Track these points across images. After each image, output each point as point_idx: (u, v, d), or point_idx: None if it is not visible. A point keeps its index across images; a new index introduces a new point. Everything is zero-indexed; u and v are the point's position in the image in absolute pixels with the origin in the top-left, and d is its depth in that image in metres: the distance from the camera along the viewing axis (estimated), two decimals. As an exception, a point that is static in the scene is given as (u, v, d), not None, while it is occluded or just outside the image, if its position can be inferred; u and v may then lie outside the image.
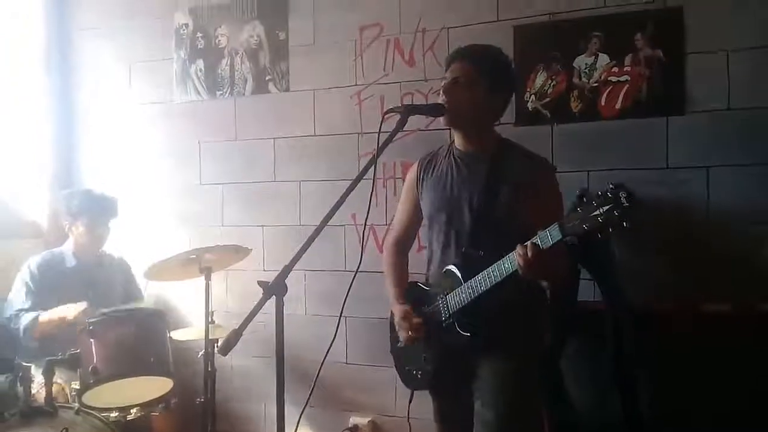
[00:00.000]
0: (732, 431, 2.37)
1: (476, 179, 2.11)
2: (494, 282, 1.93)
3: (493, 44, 2.23)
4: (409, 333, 2.16)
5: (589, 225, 1.63)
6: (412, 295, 2.26)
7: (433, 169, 2.25)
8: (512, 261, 1.85)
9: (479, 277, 1.97)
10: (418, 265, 2.41)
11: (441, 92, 2.10)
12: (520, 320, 2.07)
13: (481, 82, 2.06)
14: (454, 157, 2.20)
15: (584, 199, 1.66)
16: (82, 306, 2.86)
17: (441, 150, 2.28)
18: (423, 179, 2.27)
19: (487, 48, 2.19)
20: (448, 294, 2.09)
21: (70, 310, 2.87)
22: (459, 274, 2.06)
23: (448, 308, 2.09)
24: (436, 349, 2.17)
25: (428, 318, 2.16)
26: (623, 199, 1.57)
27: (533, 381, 2.13)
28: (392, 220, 3.11)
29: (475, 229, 2.09)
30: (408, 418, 2.33)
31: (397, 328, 2.24)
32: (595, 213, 1.61)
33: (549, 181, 2.12)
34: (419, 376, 2.24)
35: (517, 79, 2.19)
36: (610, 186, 1.59)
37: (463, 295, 2.03)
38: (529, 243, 1.80)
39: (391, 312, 2.32)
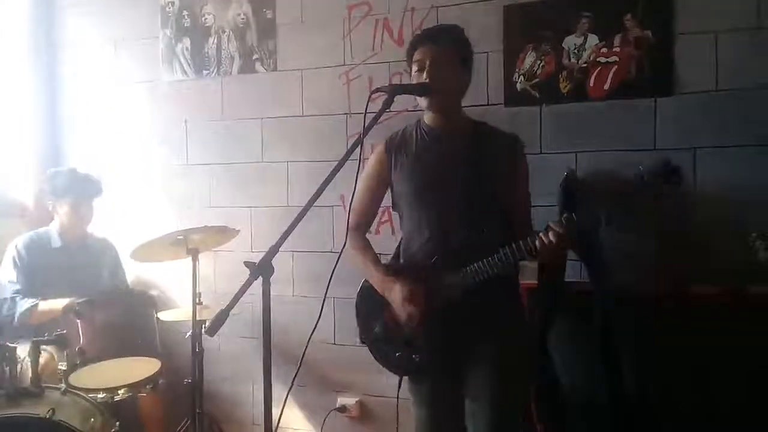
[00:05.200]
0: (719, 412, 2.39)
1: (460, 158, 2.11)
2: (511, 262, 2.01)
3: (456, 23, 2.26)
4: (418, 307, 2.09)
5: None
6: (394, 274, 2.20)
7: (406, 152, 2.21)
8: (525, 245, 1.96)
9: (495, 257, 2.01)
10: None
11: (422, 74, 2.07)
12: (513, 302, 2.16)
13: (453, 61, 2.10)
14: (426, 137, 2.18)
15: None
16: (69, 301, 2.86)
17: (408, 130, 2.24)
18: (395, 163, 2.22)
19: (449, 28, 2.23)
20: (460, 273, 2.08)
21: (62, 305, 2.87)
22: (465, 255, 2.06)
23: (456, 287, 2.08)
24: (436, 329, 2.12)
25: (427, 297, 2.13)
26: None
27: (528, 364, 2.20)
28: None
29: (468, 208, 2.09)
30: (397, 400, 2.26)
31: (401, 304, 2.12)
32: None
33: (523, 156, 2.22)
34: (417, 358, 2.17)
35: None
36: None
37: (478, 275, 2.04)
38: (554, 226, 1.92)
39: (360, 298, 2.30)
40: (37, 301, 2.94)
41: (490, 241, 2.04)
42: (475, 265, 2.04)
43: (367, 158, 3.09)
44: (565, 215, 1.95)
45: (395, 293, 2.13)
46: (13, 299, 2.98)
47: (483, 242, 2.05)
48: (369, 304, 2.28)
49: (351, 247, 2.29)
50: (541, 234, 1.94)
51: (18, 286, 3.01)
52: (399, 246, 2.31)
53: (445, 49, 2.09)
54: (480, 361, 2.10)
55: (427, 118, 2.19)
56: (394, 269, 2.22)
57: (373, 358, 2.30)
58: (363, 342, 2.33)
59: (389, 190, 2.29)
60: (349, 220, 2.25)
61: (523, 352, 2.18)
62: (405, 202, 2.22)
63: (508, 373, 2.08)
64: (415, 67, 2.11)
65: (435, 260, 2.11)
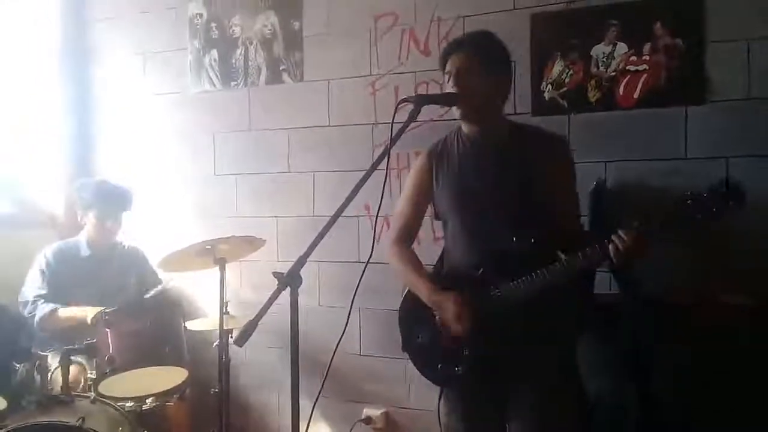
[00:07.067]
0: (748, 422, 2.34)
1: (498, 164, 2.08)
2: (574, 268, 1.94)
3: (487, 29, 2.21)
4: (467, 325, 2.04)
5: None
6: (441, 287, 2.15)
7: (448, 160, 2.19)
8: (594, 252, 1.90)
9: (556, 264, 1.95)
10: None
11: (450, 84, 2.06)
12: (565, 318, 2.06)
13: (485, 69, 2.05)
14: (467, 144, 2.15)
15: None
16: (97, 310, 2.87)
17: (449, 138, 2.22)
18: (437, 171, 2.20)
19: (476, 34, 2.20)
20: (509, 285, 2.03)
21: (89, 314, 2.88)
22: (513, 266, 2.01)
23: (505, 301, 2.03)
24: (481, 342, 2.06)
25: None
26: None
27: (576, 386, 2.10)
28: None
29: (509, 214, 2.05)
30: (438, 415, 2.22)
31: (449, 318, 2.06)
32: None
33: (565, 157, 2.15)
34: (459, 371, 2.10)
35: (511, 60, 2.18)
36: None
37: (524, 288, 1.99)
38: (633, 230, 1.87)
39: (404, 307, 2.26)
40: (57, 307, 2.97)
41: (540, 249, 1.97)
42: (529, 276, 1.97)
43: (394, 168, 3.13)
44: (636, 223, 1.87)
45: (445, 310, 2.07)
46: (34, 302, 3.01)
47: (532, 251, 1.98)
48: (413, 313, 2.23)
49: (396, 261, 2.25)
50: (614, 238, 1.86)
51: (42, 291, 3.04)
52: (442, 254, 2.29)
53: (470, 57, 2.05)
54: (526, 381, 2.05)
55: (464, 125, 2.16)
56: (441, 281, 2.16)
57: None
58: (405, 350, 2.28)
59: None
60: (392, 233, 2.28)
61: (571, 373, 2.09)
62: (447, 210, 2.20)
63: (555, 396, 2.02)
64: (447, 78, 2.09)
65: (482, 272, 2.07)
